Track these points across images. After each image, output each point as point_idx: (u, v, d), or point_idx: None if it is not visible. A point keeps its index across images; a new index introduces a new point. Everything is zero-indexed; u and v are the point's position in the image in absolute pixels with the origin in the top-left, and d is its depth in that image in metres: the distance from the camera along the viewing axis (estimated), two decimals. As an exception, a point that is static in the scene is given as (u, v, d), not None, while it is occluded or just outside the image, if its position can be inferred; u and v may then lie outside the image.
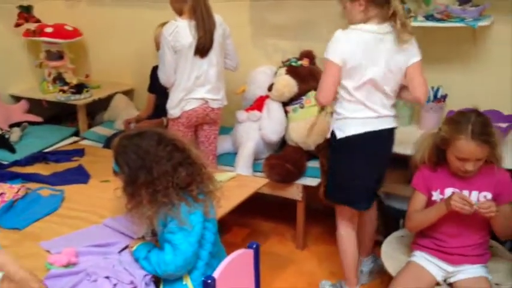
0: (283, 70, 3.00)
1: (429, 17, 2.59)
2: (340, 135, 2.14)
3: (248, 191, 2.29)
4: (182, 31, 2.55)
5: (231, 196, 2.15)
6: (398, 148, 2.36)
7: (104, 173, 2.30)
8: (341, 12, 2.13)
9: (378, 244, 2.34)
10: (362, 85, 2.06)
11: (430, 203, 2.02)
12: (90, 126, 3.63)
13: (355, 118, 2.11)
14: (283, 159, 2.79)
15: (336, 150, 2.20)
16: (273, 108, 2.95)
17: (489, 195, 1.93)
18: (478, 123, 1.86)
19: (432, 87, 2.73)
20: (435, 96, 2.72)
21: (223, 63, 2.75)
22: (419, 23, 2.58)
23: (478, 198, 1.93)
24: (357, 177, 2.19)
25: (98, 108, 3.77)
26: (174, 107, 2.67)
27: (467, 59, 2.73)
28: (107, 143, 3.14)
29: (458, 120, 1.91)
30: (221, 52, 2.69)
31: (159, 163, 1.66)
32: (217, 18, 2.63)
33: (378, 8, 2.02)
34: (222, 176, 2.38)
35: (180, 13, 2.61)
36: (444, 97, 2.70)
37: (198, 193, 1.70)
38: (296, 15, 3.10)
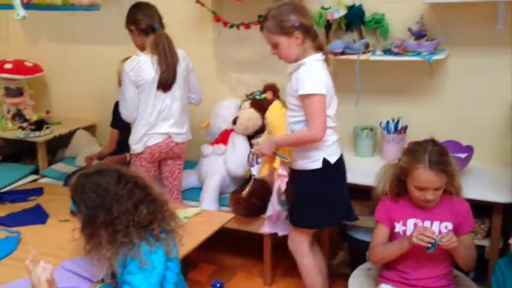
0: (247, 103, 3.01)
1: (387, 51, 2.67)
2: (333, 160, 2.19)
3: (213, 227, 2.25)
4: (144, 66, 2.54)
5: (196, 232, 2.11)
6: (362, 179, 2.39)
7: (64, 212, 2.21)
8: (270, 51, 2.18)
9: (345, 277, 2.32)
10: (336, 110, 2.19)
11: (392, 234, 2.02)
12: (50, 163, 3.53)
13: (335, 141, 2.21)
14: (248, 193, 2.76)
15: (331, 176, 2.22)
16: (238, 142, 2.95)
17: (450, 226, 1.95)
18: (435, 152, 1.90)
19: (393, 119, 2.79)
20: (396, 127, 2.77)
21: (187, 97, 2.74)
22: (378, 57, 2.66)
23: (440, 228, 1.95)
24: (345, 192, 2.30)
25: (59, 145, 3.68)
26: (137, 142, 2.64)
27: (426, 91, 2.80)
28: (68, 180, 3.05)
29: (415, 150, 1.95)
30: (185, 86, 2.69)
31: (119, 201, 1.61)
32: (180, 52, 2.65)
33: (311, 40, 2.15)
34: (186, 212, 2.34)
35: (142, 48, 2.62)
36: (404, 128, 2.75)
37: (160, 231, 1.66)
38: (259, 49, 3.12)
